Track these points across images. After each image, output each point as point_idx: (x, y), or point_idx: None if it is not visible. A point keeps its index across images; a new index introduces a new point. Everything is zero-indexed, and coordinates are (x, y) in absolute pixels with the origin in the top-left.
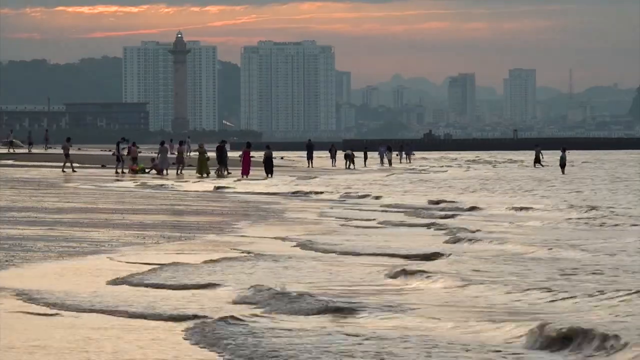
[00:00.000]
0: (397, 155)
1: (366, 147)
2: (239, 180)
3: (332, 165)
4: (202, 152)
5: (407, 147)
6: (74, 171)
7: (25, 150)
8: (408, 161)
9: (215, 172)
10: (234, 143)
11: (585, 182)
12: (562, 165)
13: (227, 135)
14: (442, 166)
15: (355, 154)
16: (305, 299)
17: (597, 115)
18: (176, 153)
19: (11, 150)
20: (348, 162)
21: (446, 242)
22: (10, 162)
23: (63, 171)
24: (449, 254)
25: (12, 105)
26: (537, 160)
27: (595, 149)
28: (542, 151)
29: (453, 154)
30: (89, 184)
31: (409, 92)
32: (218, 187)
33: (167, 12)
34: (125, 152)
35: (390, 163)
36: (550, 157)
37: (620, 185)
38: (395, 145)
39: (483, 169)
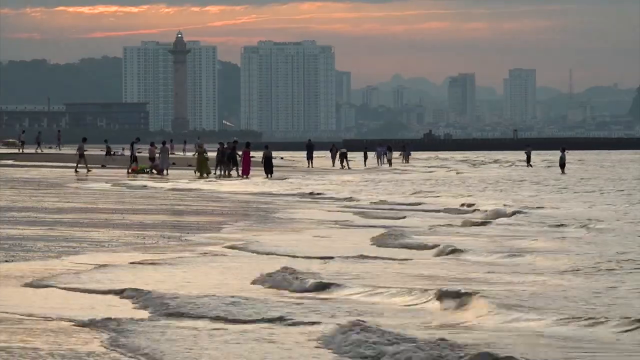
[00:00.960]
0: (400, 155)
1: (366, 147)
2: (210, 180)
3: (333, 166)
4: (201, 152)
5: (409, 147)
6: (88, 171)
7: (32, 151)
8: (406, 161)
9: (217, 172)
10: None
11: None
12: (562, 165)
13: (227, 135)
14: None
15: (355, 154)
16: None
17: (597, 115)
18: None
19: (22, 150)
20: (343, 161)
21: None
22: (34, 163)
23: (76, 171)
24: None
25: (12, 105)
26: (529, 160)
27: (595, 149)
28: (532, 151)
29: (451, 154)
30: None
31: (409, 92)
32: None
33: (167, 12)
34: (137, 153)
35: (390, 163)
36: (551, 157)
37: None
38: (395, 145)
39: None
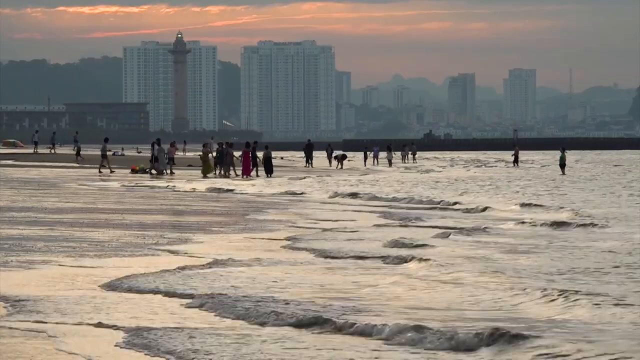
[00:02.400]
0: (402, 155)
1: (366, 147)
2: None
3: (330, 165)
4: (205, 152)
5: (411, 147)
6: (111, 172)
7: (47, 151)
8: (406, 161)
9: (219, 172)
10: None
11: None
12: (562, 165)
13: (227, 135)
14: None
15: (356, 154)
16: None
17: (597, 115)
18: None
19: (37, 151)
20: (338, 162)
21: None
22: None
23: (100, 172)
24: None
25: (12, 105)
26: (516, 160)
27: (595, 149)
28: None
29: (451, 154)
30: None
31: (409, 92)
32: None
33: (168, 12)
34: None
35: (390, 163)
36: (551, 157)
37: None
38: (397, 145)
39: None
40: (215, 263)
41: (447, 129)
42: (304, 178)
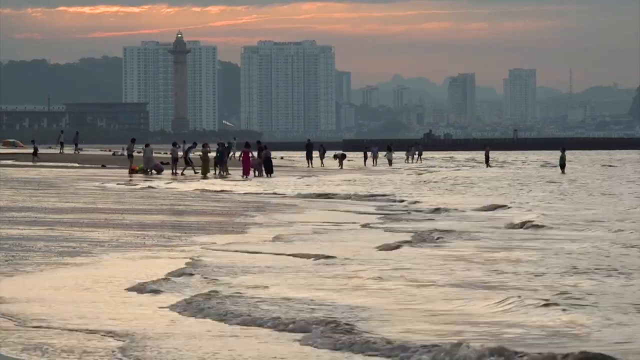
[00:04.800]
0: (408, 155)
1: (366, 147)
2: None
3: (321, 165)
4: (205, 153)
5: (417, 147)
6: (155, 173)
7: (70, 152)
8: (413, 161)
9: (218, 172)
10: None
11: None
12: (562, 165)
13: (227, 135)
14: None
15: (356, 154)
16: None
17: (597, 115)
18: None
19: (62, 152)
20: (338, 162)
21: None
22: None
23: (174, 173)
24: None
25: (12, 105)
26: (487, 160)
27: (595, 149)
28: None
29: (451, 154)
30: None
31: (409, 92)
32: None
33: (168, 12)
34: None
35: (390, 163)
36: (551, 157)
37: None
38: (398, 145)
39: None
40: None
41: (447, 129)
42: (301, 178)
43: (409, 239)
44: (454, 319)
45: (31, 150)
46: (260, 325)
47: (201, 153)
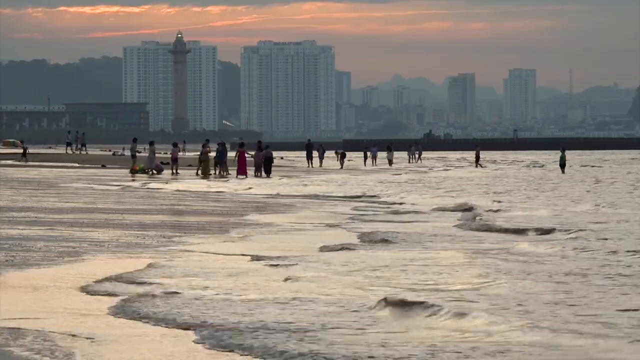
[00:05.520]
0: (409, 154)
1: (366, 147)
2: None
3: (320, 165)
4: (205, 153)
5: (417, 147)
6: (156, 173)
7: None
8: (414, 161)
9: (218, 173)
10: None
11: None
12: (562, 165)
13: (227, 135)
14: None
15: (356, 154)
16: None
17: (597, 115)
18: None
19: (70, 151)
20: (338, 160)
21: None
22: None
23: (175, 173)
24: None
25: (12, 105)
26: (477, 160)
27: (595, 149)
28: (481, 151)
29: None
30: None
31: (409, 92)
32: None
33: (169, 12)
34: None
35: (390, 163)
36: (551, 157)
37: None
38: (398, 145)
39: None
40: None
41: (447, 129)
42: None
43: (356, 240)
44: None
45: (65, 151)
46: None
47: (201, 153)
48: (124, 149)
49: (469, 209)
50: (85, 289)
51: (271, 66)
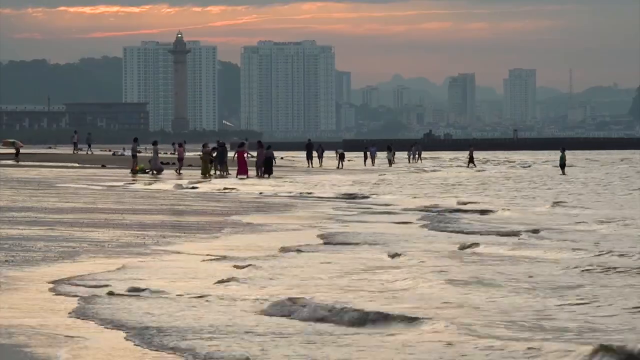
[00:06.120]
0: (409, 154)
1: (366, 147)
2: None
3: (320, 165)
4: (205, 153)
5: (417, 146)
6: (156, 173)
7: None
8: (415, 161)
9: (217, 172)
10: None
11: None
12: (562, 165)
13: (227, 135)
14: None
15: (356, 154)
16: None
17: (597, 115)
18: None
19: (76, 152)
20: (338, 160)
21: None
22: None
23: (178, 173)
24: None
25: (12, 105)
26: (471, 160)
27: (595, 149)
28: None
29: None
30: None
31: (409, 92)
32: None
33: (169, 12)
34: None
35: (390, 163)
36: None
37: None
38: (400, 145)
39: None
40: None
41: (447, 129)
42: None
43: (317, 241)
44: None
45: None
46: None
47: (201, 153)
48: (124, 149)
49: (433, 209)
50: (44, 289)
51: (271, 66)
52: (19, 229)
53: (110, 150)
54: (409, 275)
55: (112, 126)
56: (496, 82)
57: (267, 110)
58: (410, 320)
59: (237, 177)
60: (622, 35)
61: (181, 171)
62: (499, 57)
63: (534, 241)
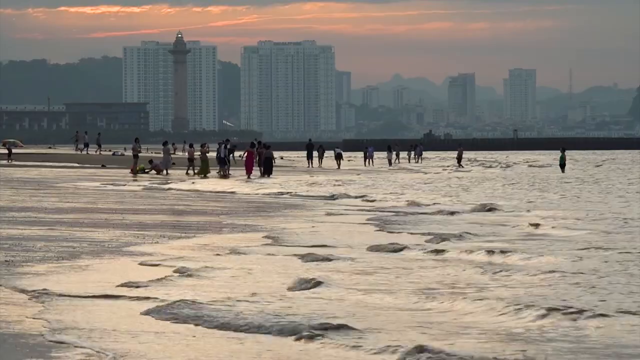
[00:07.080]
0: (410, 155)
1: (366, 147)
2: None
3: (320, 165)
4: (204, 153)
5: (420, 147)
6: (196, 174)
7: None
8: (417, 161)
9: (217, 173)
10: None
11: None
12: (562, 165)
13: (227, 135)
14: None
15: (356, 154)
16: None
17: (597, 115)
18: (187, 154)
19: (87, 152)
20: (336, 161)
21: None
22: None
23: (188, 174)
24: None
25: (12, 105)
26: (459, 160)
27: (595, 149)
28: (464, 151)
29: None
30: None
31: (409, 92)
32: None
33: (169, 12)
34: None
35: (390, 163)
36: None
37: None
38: (401, 145)
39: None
40: None
41: (447, 129)
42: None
43: (266, 242)
44: None
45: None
46: None
47: (199, 153)
48: (125, 149)
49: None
50: None
51: (271, 66)
52: (19, 229)
53: (110, 150)
54: None
55: (112, 126)
56: (496, 82)
57: (267, 110)
58: None
59: (248, 177)
60: (622, 35)
61: (190, 172)
62: (499, 57)
63: None
